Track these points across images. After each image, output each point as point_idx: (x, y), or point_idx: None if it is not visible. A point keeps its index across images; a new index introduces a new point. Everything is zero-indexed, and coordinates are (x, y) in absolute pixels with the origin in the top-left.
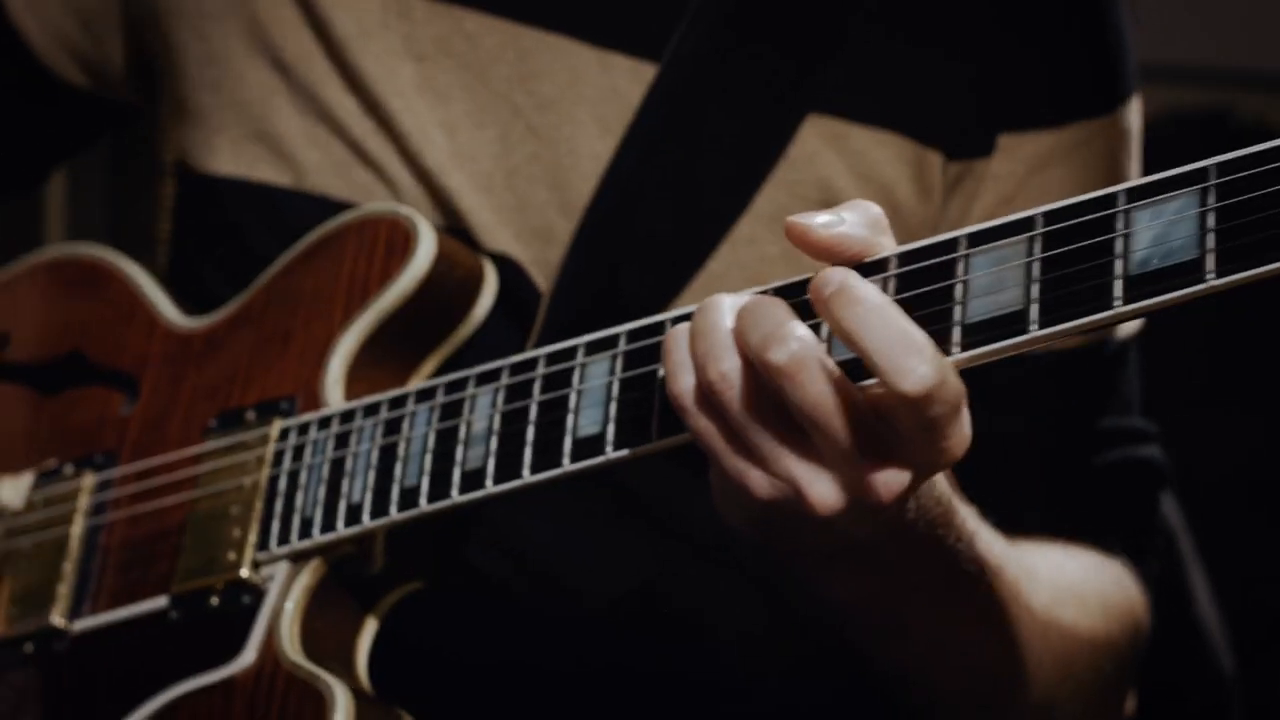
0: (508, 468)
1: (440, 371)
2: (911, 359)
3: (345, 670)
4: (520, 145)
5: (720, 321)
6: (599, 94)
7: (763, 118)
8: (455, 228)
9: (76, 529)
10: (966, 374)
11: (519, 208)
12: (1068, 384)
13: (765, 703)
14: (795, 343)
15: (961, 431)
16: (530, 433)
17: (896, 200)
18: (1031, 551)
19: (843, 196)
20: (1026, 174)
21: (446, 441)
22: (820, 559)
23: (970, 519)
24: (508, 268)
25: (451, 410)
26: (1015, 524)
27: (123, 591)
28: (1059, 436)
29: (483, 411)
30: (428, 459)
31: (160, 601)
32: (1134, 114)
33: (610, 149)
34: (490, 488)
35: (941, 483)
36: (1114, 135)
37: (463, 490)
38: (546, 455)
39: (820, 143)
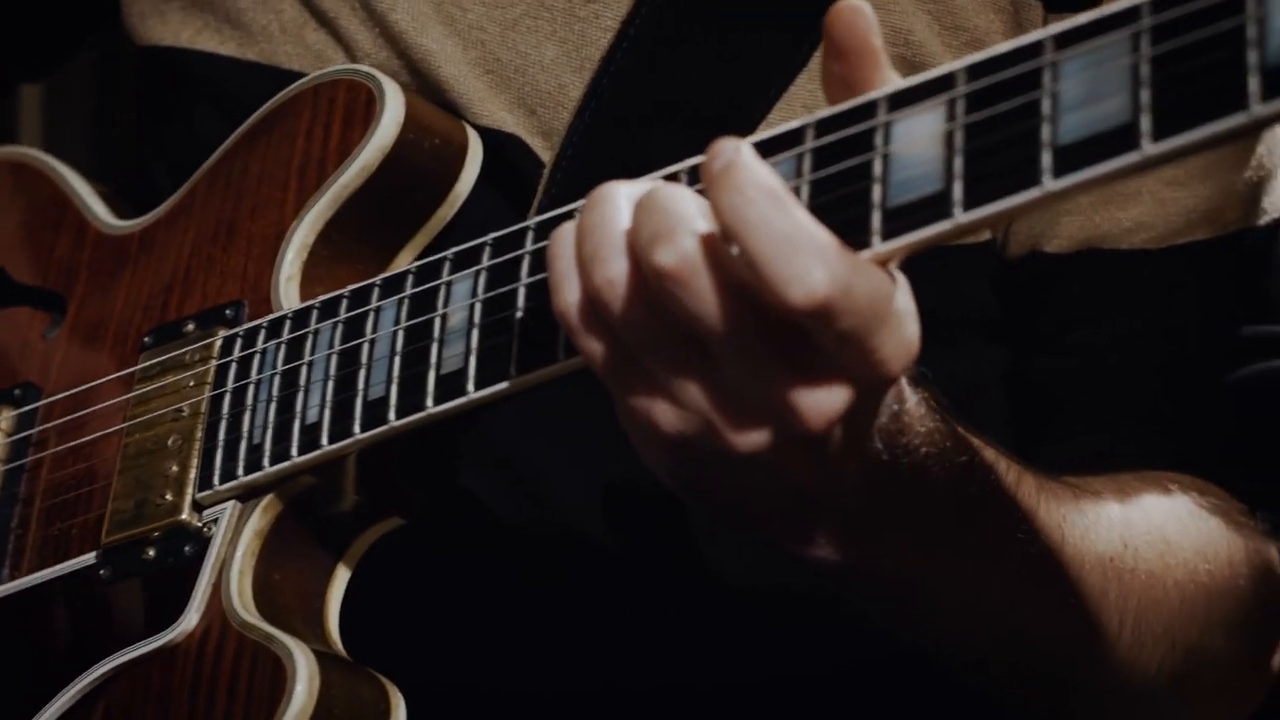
0: (492, 367)
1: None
2: (799, 263)
3: (311, 627)
4: None
5: (612, 217)
6: None
7: None
8: (434, 100)
9: None
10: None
11: (520, 68)
12: (1195, 280)
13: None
14: (688, 240)
15: (897, 340)
16: (517, 324)
17: None
18: (1108, 490)
19: (925, 49)
20: None
21: (418, 340)
22: (785, 525)
23: (985, 453)
24: (505, 143)
25: (423, 302)
26: (1123, 446)
27: (49, 547)
28: (1180, 343)
29: (460, 301)
30: (396, 363)
31: (88, 559)
32: None
33: None
34: (472, 393)
35: (931, 416)
36: None
37: (439, 399)
38: (539, 350)
39: None
